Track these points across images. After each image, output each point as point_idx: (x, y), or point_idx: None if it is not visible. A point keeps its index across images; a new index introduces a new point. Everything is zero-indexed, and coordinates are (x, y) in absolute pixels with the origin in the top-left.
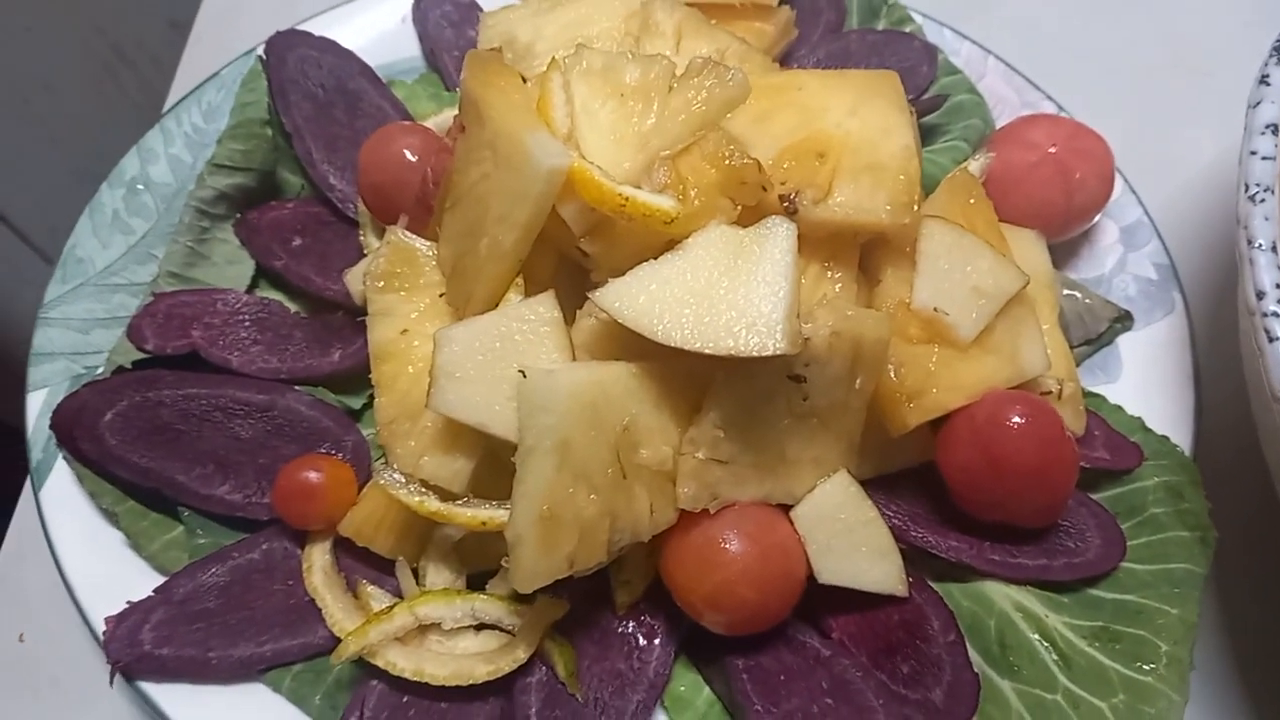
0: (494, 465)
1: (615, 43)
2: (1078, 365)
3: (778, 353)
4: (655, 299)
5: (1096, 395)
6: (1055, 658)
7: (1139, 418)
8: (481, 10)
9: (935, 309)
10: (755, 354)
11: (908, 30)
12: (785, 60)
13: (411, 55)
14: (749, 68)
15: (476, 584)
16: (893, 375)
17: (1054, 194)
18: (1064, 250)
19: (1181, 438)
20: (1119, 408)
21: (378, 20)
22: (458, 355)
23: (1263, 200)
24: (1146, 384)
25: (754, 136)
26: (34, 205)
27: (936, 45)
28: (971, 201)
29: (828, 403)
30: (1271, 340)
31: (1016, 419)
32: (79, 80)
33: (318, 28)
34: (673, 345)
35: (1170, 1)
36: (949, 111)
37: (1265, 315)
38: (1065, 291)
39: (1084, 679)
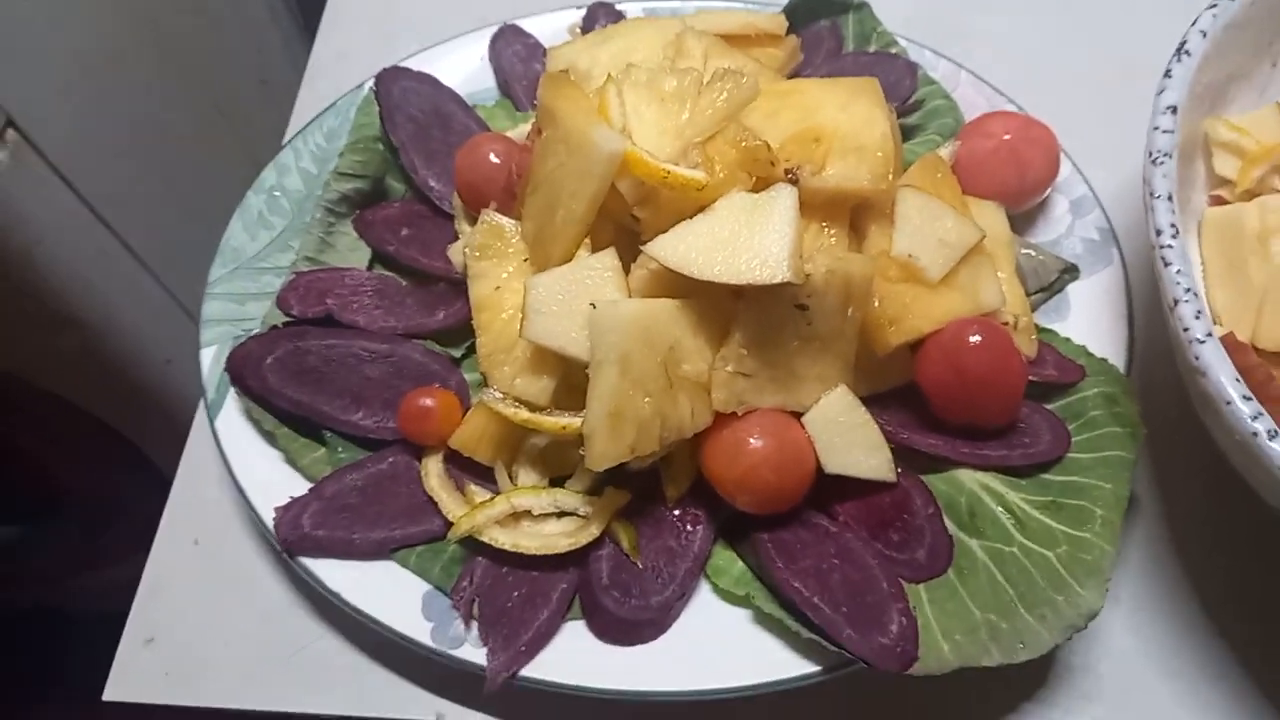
0: (569, 386)
1: (656, 64)
2: (1035, 309)
3: (784, 280)
4: (692, 247)
5: (1049, 330)
6: (1013, 522)
7: (1083, 345)
8: (545, 48)
9: (909, 255)
10: (767, 282)
11: (894, 51)
12: (793, 78)
13: (489, 85)
14: (762, 80)
15: (557, 484)
16: (877, 306)
17: (1009, 173)
18: (1024, 219)
19: (1118, 359)
20: (1067, 339)
21: (462, 59)
22: (543, 296)
23: (1162, 163)
24: (1090, 320)
25: (766, 128)
26: (153, 238)
27: (917, 63)
28: (939, 176)
29: (827, 328)
30: (1166, 265)
31: (975, 337)
32: (188, 129)
33: (415, 65)
34: (706, 279)
35: (1125, 28)
36: (926, 114)
37: (1160, 248)
38: (1022, 250)
39: (1035, 536)
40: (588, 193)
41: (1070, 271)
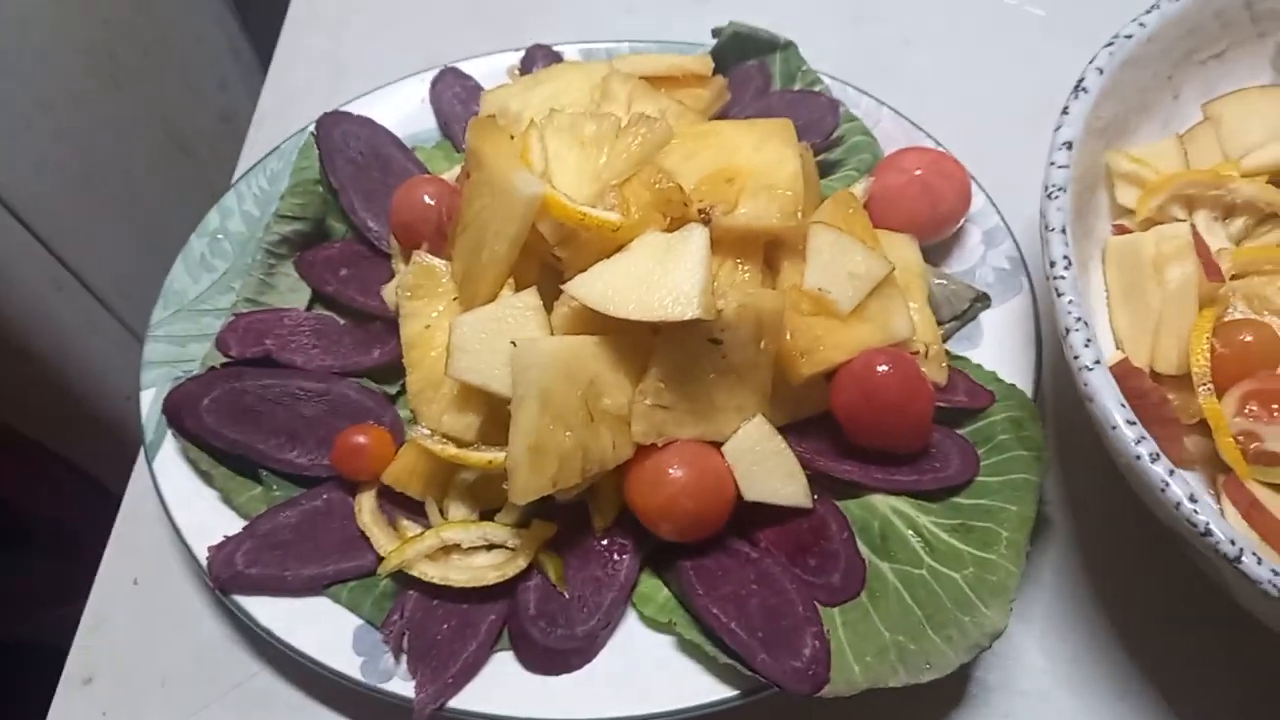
0: (495, 422)
1: (583, 107)
2: (949, 337)
3: (695, 316)
4: (609, 286)
5: (962, 357)
6: (923, 545)
7: (993, 371)
8: (482, 89)
9: (821, 289)
10: (679, 319)
11: (817, 90)
12: (722, 116)
13: (430, 127)
14: (683, 122)
15: (487, 517)
16: (789, 339)
17: (921, 207)
18: (940, 249)
19: (1025, 384)
20: (979, 366)
21: (405, 100)
22: (467, 334)
23: (1056, 198)
24: (1000, 347)
25: (682, 169)
26: (111, 274)
27: (840, 100)
28: (850, 212)
29: (742, 360)
30: (1059, 295)
31: (883, 367)
32: (145, 164)
33: (357, 109)
34: (622, 317)
35: (1047, 62)
36: (847, 149)
37: (1054, 279)
38: (935, 280)
39: (944, 559)
40: (509, 234)
41: (982, 300)
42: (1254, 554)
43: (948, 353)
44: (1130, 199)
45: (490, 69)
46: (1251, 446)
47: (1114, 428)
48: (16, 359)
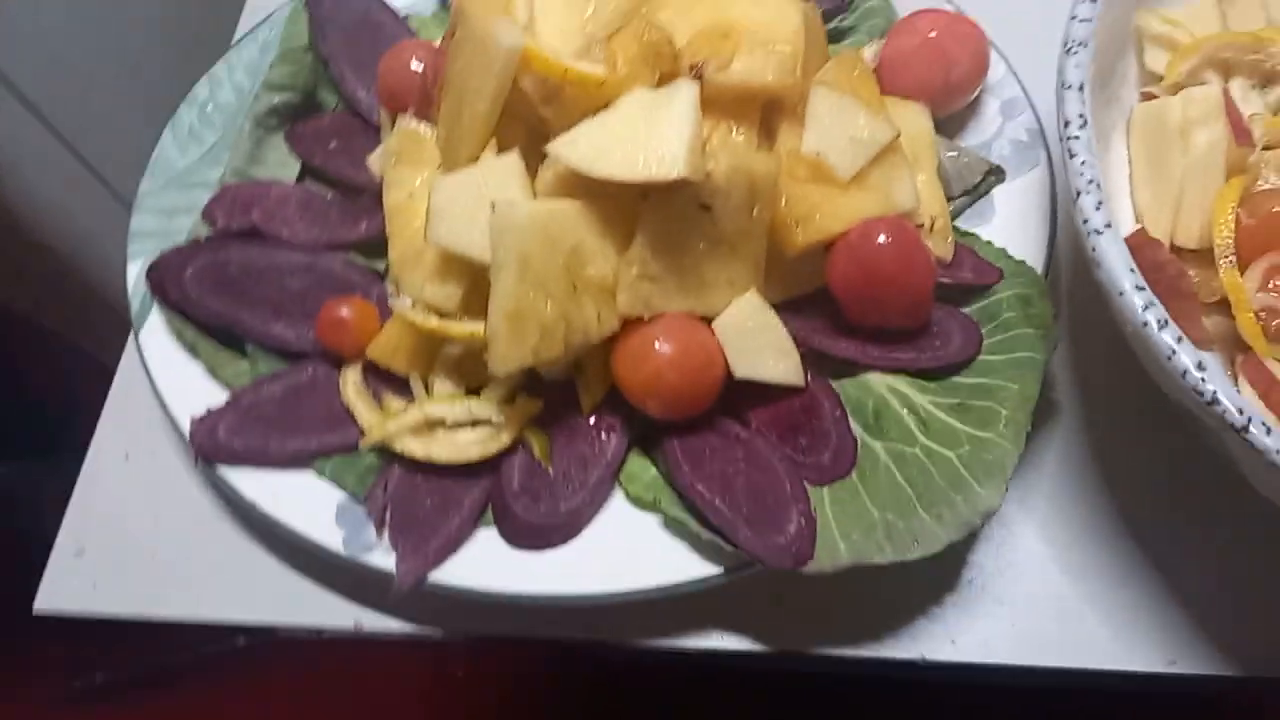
0: (478, 292)
1: None
2: (960, 212)
3: (681, 176)
4: (593, 145)
5: (971, 234)
6: (918, 424)
7: (1003, 248)
8: None
9: (819, 154)
10: (664, 179)
11: None
12: None
13: None
14: None
15: (474, 394)
16: (785, 206)
17: (933, 72)
18: (955, 121)
19: (1037, 262)
20: (988, 242)
21: None
22: (446, 199)
23: (1076, 53)
24: (1012, 223)
25: (677, 23)
26: (106, 147)
27: None
28: (855, 73)
29: (734, 229)
30: (1071, 156)
31: (883, 238)
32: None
33: None
34: (604, 177)
35: None
36: (860, 15)
37: (1067, 139)
38: (947, 152)
39: (939, 436)
40: (489, 90)
41: (995, 174)
42: (1263, 423)
43: (956, 228)
44: (1161, 64)
45: None
46: (1274, 324)
47: (1121, 293)
48: (34, 251)
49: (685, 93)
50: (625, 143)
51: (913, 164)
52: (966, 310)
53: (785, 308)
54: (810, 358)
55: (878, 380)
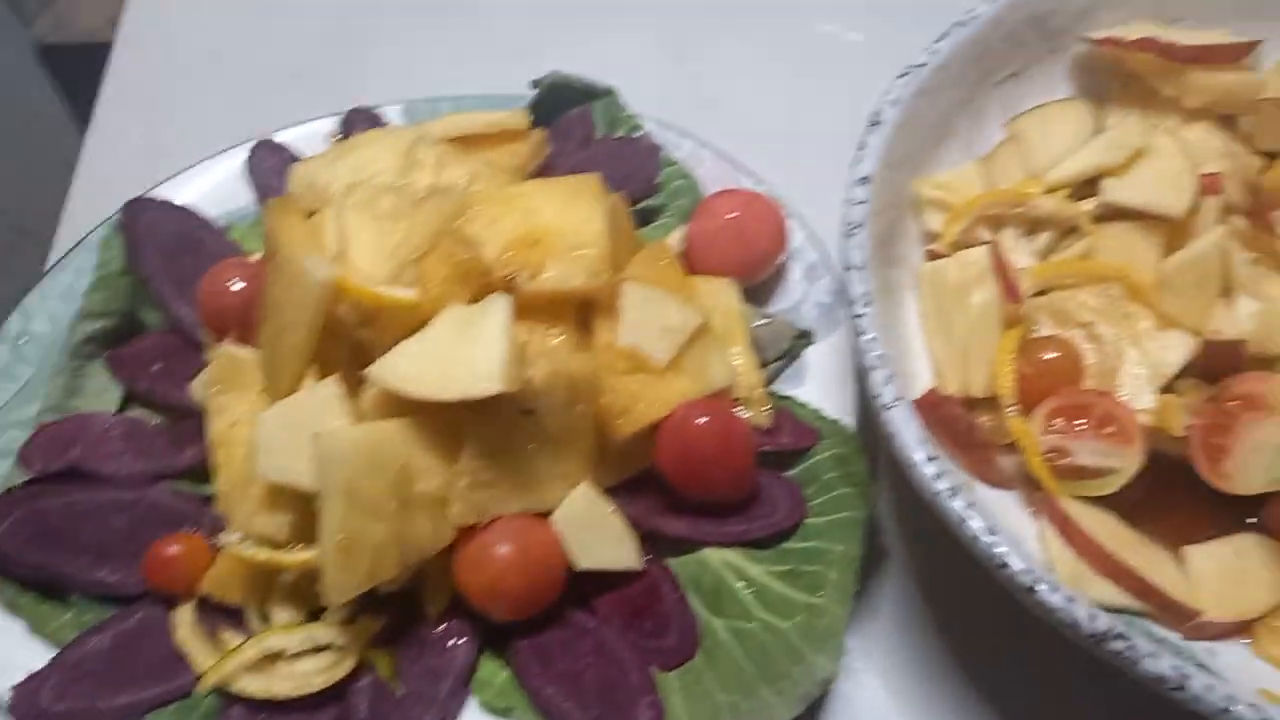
0: (310, 519)
1: (391, 175)
2: (775, 377)
3: (499, 391)
4: (411, 366)
5: (788, 397)
6: (754, 596)
7: (818, 409)
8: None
9: (634, 345)
10: (483, 395)
11: (638, 135)
12: (546, 170)
13: (248, 202)
14: (493, 184)
15: (318, 617)
16: (607, 399)
17: (736, 250)
18: (764, 288)
19: (849, 419)
20: (804, 404)
21: (221, 177)
22: (270, 432)
23: (854, 235)
24: (824, 382)
25: (488, 235)
26: None
27: (661, 145)
28: (662, 264)
29: (560, 427)
30: (859, 334)
31: (701, 419)
32: None
33: (172, 188)
34: (423, 398)
35: (863, 92)
36: (668, 194)
37: (854, 317)
38: (758, 321)
39: (774, 608)
40: (305, 321)
41: (804, 337)
42: (1049, 581)
43: (774, 393)
44: (939, 225)
45: (310, 137)
46: (1063, 462)
47: (912, 466)
48: None
49: (498, 307)
50: (442, 361)
51: (726, 338)
52: (790, 474)
53: (620, 490)
54: (649, 539)
55: (714, 555)
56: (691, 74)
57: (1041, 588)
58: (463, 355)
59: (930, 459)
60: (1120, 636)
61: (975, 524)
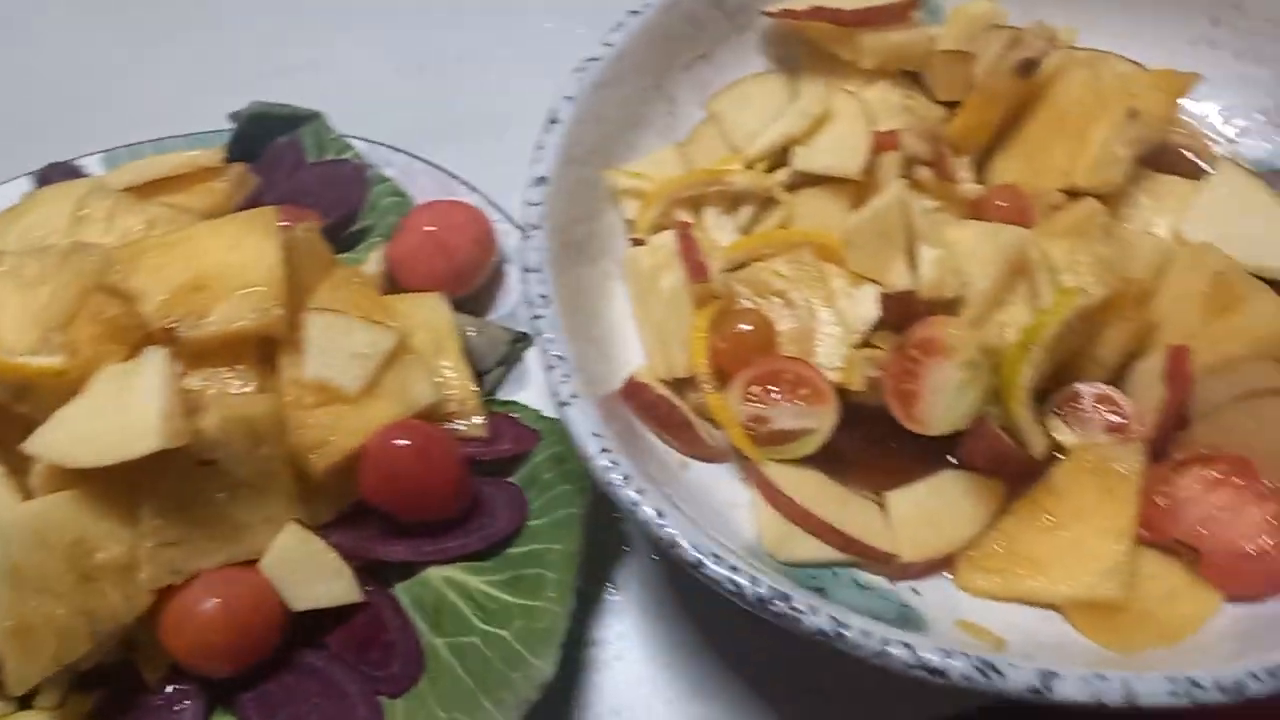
0: None
1: (61, 236)
2: (499, 382)
3: (159, 447)
4: (68, 434)
5: (511, 401)
6: (474, 610)
7: (538, 410)
8: None
9: (321, 377)
10: (142, 453)
11: (347, 156)
12: (255, 202)
13: None
14: (171, 231)
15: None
16: (300, 435)
17: (438, 263)
18: (484, 296)
19: None
20: (526, 406)
21: None
22: None
23: (531, 237)
24: (542, 384)
25: (151, 286)
26: None
27: (370, 163)
28: (351, 288)
29: (250, 471)
30: (539, 335)
31: (400, 441)
32: None
33: None
34: (86, 466)
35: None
36: (378, 213)
37: (534, 318)
38: (470, 330)
39: (494, 618)
40: None
41: (521, 340)
42: (713, 554)
43: (495, 400)
44: (635, 213)
45: (5, 196)
46: (764, 430)
47: (589, 460)
48: None
49: (153, 360)
50: (99, 425)
51: (435, 353)
52: (514, 478)
53: (340, 523)
54: (371, 567)
55: (436, 575)
56: (430, 88)
57: (706, 562)
58: (119, 415)
59: (603, 450)
60: (781, 598)
61: (646, 510)
